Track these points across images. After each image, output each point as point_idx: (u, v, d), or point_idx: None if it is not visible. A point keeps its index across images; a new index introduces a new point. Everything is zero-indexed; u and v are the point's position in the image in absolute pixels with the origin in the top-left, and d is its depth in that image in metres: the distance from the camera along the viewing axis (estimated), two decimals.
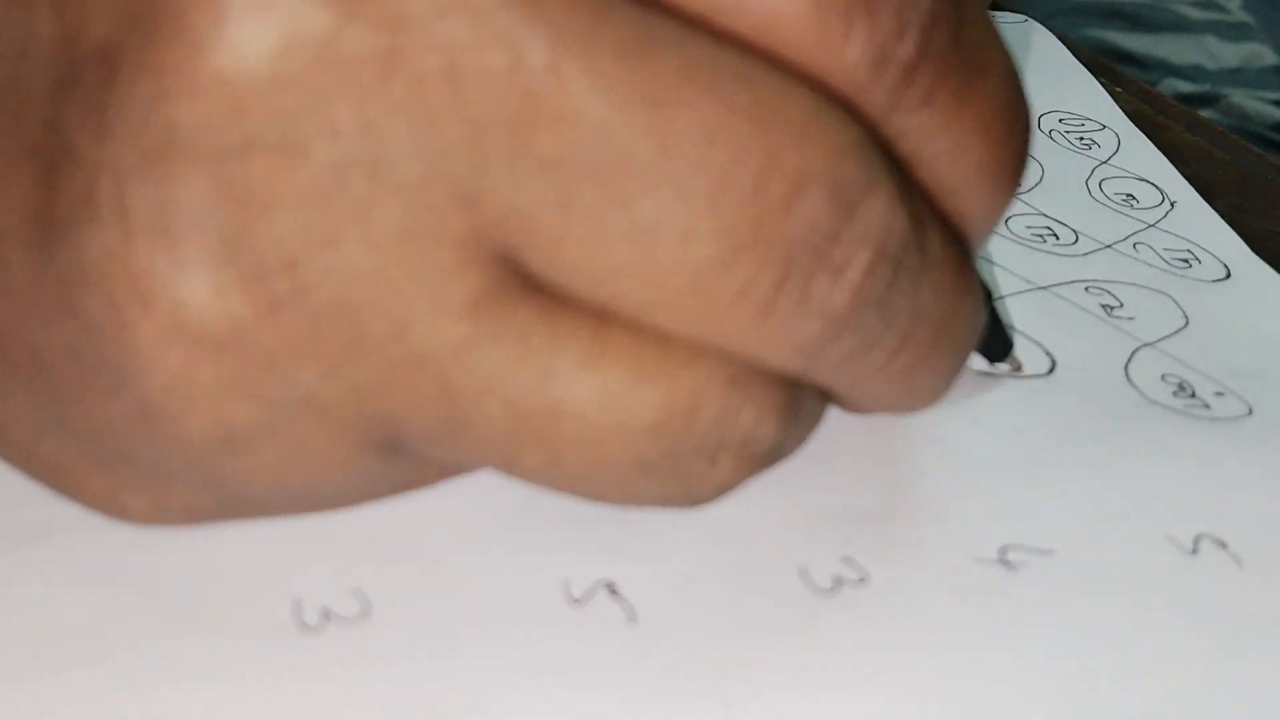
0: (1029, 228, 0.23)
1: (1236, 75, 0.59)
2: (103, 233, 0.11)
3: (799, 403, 0.13)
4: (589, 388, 0.12)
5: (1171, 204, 0.24)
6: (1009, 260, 0.22)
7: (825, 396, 0.14)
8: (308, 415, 0.12)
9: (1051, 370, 0.19)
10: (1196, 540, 0.16)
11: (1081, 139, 0.26)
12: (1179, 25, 0.61)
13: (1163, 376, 0.19)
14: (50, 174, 0.11)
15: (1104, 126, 0.27)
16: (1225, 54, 0.60)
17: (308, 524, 0.15)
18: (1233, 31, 0.61)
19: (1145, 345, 0.20)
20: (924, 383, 0.14)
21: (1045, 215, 0.23)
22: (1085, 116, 0.27)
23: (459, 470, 0.15)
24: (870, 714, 0.13)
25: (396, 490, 0.15)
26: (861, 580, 0.15)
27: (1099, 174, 0.25)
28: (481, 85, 0.11)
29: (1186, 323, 0.21)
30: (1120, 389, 0.19)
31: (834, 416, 0.17)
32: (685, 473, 0.13)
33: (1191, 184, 0.25)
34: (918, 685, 0.14)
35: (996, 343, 0.18)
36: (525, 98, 0.11)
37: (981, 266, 0.19)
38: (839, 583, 0.15)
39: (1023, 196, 0.24)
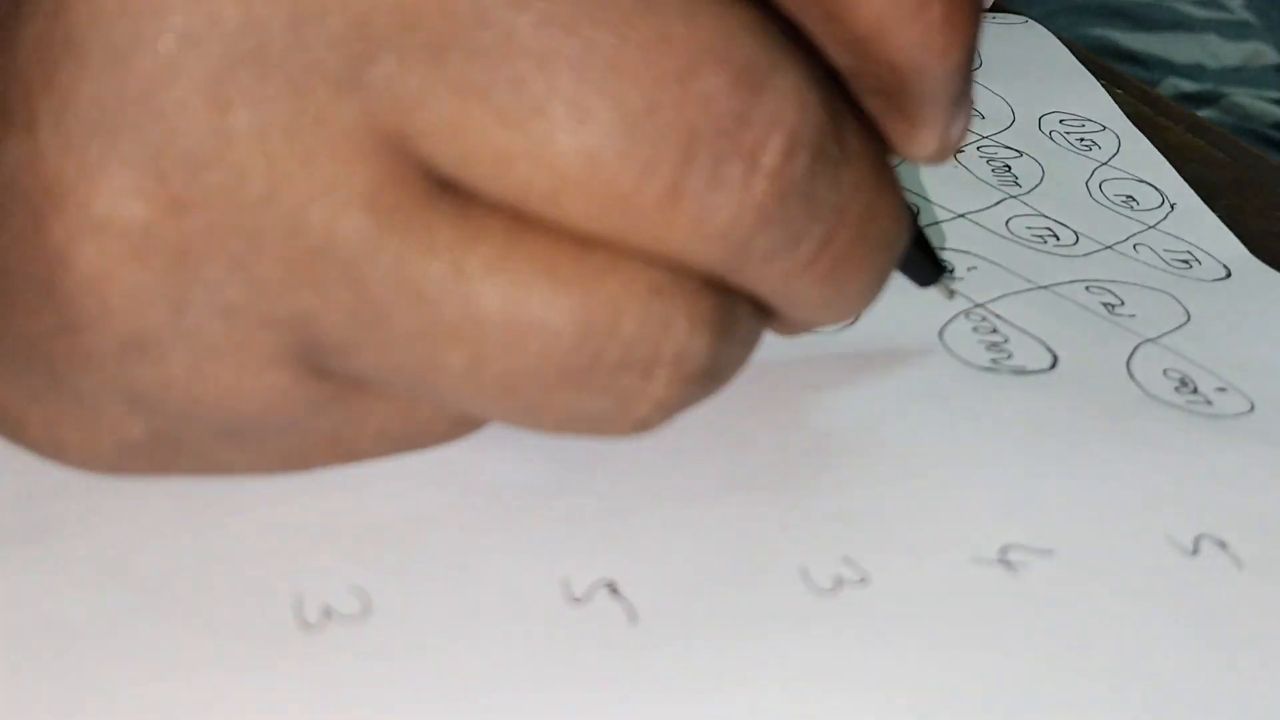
0: (1029, 229, 0.23)
1: (1238, 74, 0.59)
2: (18, 145, 0.12)
3: (732, 314, 0.13)
4: (503, 291, 0.12)
5: (1171, 206, 0.24)
6: (1009, 260, 0.22)
7: (761, 315, 0.14)
8: (215, 316, 0.12)
9: (1053, 365, 0.19)
10: (1197, 541, 0.16)
11: (1082, 140, 0.26)
12: (1180, 24, 0.61)
13: (1165, 372, 0.19)
14: None
15: (1104, 128, 0.27)
16: (1227, 53, 0.60)
17: (308, 520, 0.15)
18: (1234, 30, 0.61)
19: (1147, 341, 0.20)
20: (853, 284, 0.13)
21: (1046, 216, 0.23)
22: (1085, 117, 0.27)
23: (410, 428, 0.15)
24: (871, 715, 0.13)
25: (327, 446, 0.14)
26: (862, 581, 0.15)
27: (1099, 175, 0.25)
28: None
29: (1188, 319, 0.21)
30: (1122, 385, 0.19)
31: (831, 420, 0.17)
32: (617, 388, 0.13)
33: (1192, 185, 0.25)
34: (919, 686, 0.14)
35: (927, 266, 0.18)
36: None
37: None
38: (839, 583, 0.15)
39: (1023, 198, 0.24)
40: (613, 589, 0.14)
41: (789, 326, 0.15)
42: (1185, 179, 0.25)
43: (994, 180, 0.24)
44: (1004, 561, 0.15)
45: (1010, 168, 0.25)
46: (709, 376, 0.13)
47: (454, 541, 0.15)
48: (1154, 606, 0.15)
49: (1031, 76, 0.28)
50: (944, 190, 0.24)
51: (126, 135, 0.11)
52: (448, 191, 0.12)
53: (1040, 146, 0.26)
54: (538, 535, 0.15)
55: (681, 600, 0.14)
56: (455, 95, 0.11)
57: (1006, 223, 0.23)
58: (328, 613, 0.14)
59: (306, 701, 0.13)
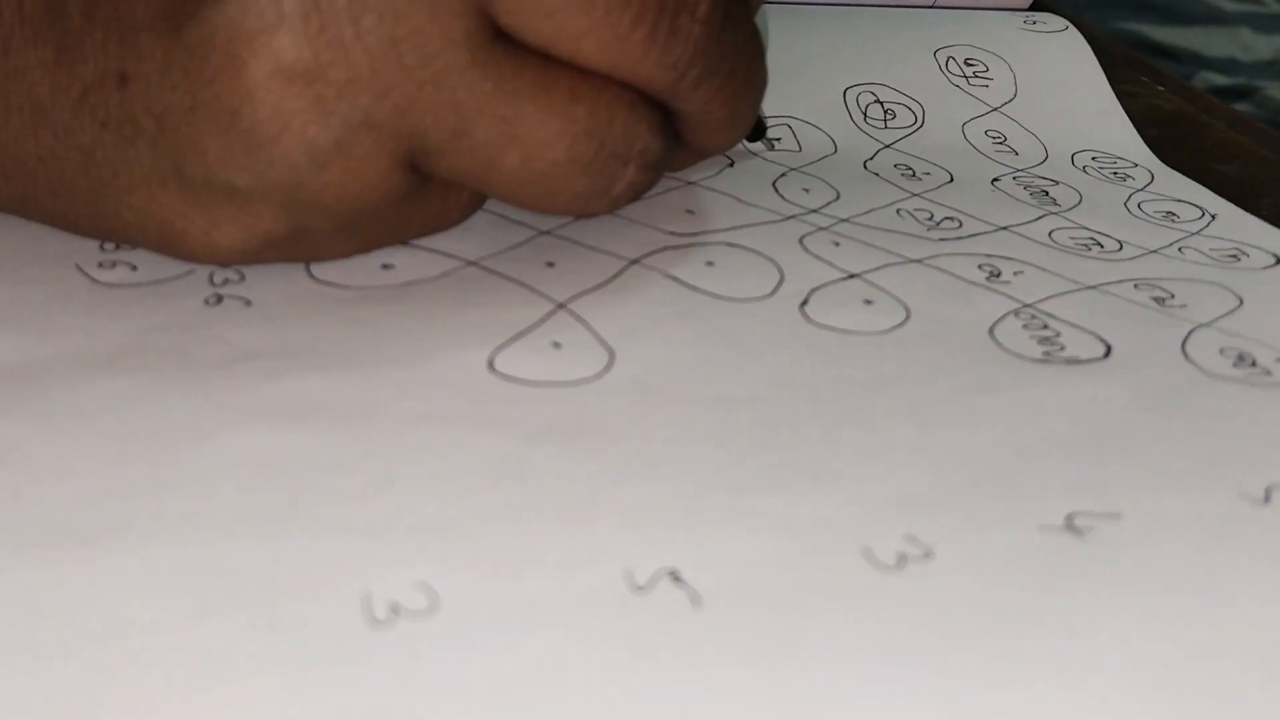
0: (1073, 239, 0.23)
1: (1272, 67, 0.59)
2: (225, 6, 0.16)
3: (669, 125, 0.19)
4: (543, 103, 0.17)
5: (1211, 217, 0.24)
6: (1055, 265, 0.22)
7: (676, 137, 0.19)
8: (365, 133, 0.17)
9: (1107, 354, 0.19)
10: (1269, 491, 0.16)
11: (1115, 173, 0.26)
12: (1213, 17, 0.61)
13: (1221, 350, 0.19)
14: None
15: (1136, 164, 0.27)
16: (1260, 46, 0.59)
17: (373, 517, 0.15)
18: (1268, 23, 0.60)
19: (1201, 326, 0.20)
20: (742, 109, 0.19)
21: (1088, 228, 0.24)
22: (1117, 156, 0.27)
23: (441, 215, 0.20)
24: (942, 690, 0.13)
25: (392, 230, 0.19)
26: (926, 556, 0.15)
27: (1137, 198, 0.25)
28: None
29: (1240, 303, 0.21)
30: (1179, 367, 0.19)
31: (883, 411, 0.17)
32: (608, 172, 0.18)
33: (1235, 182, 0.25)
34: (990, 658, 0.13)
35: (754, 125, 0.23)
36: None
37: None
38: (903, 559, 0.15)
39: (1064, 214, 0.24)
40: (675, 576, 0.14)
41: (686, 156, 0.21)
42: (1228, 176, 0.25)
43: (1033, 201, 0.24)
44: (1071, 528, 0.15)
45: (1048, 192, 0.25)
46: (657, 167, 0.19)
47: (516, 534, 0.15)
48: (1229, 558, 0.15)
49: (1064, 110, 0.28)
50: (985, 208, 0.24)
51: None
52: (504, 39, 0.17)
53: (1075, 178, 0.26)
54: (599, 527, 0.15)
55: (744, 584, 0.14)
56: None
57: (1049, 234, 0.23)
58: (395, 609, 0.14)
59: (378, 699, 0.13)
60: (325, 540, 0.15)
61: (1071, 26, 0.31)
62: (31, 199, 0.18)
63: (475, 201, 0.20)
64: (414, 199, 0.19)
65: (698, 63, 0.18)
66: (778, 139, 0.25)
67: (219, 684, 0.13)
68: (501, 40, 0.17)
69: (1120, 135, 0.28)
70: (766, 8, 0.32)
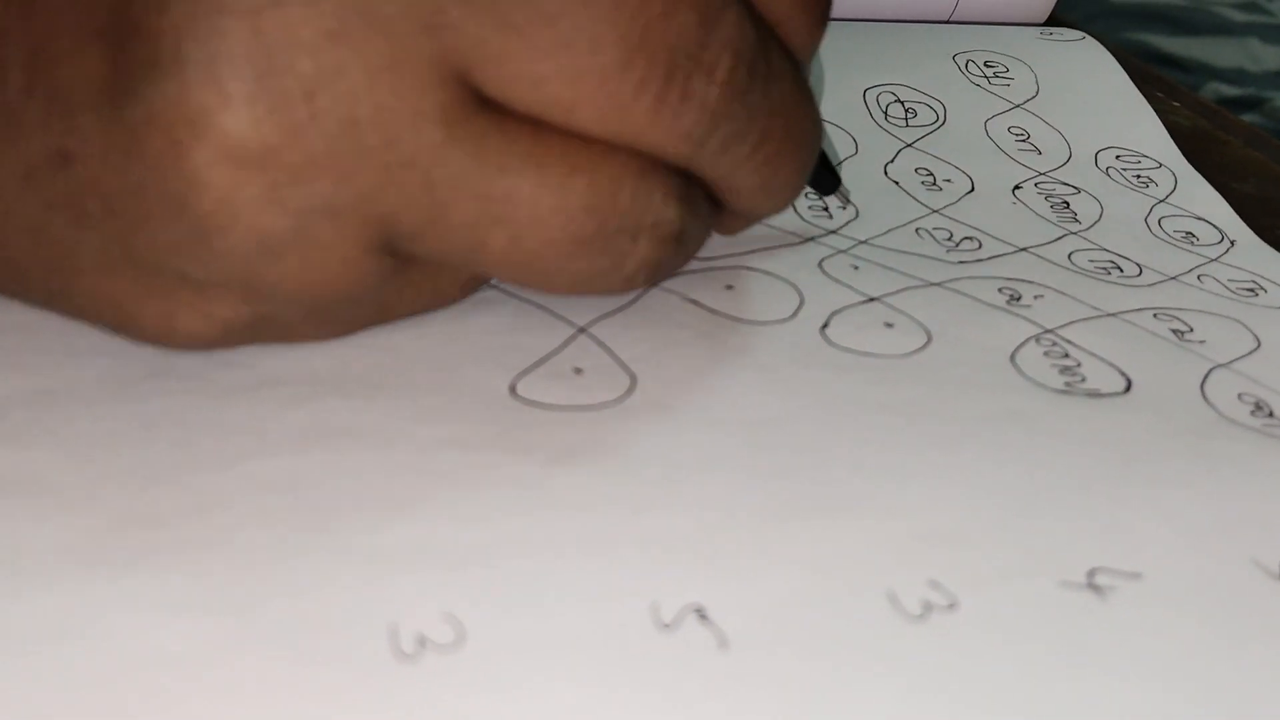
0: (1092, 261, 0.23)
1: None
2: (165, 84, 0.14)
3: (694, 194, 0.17)
4: (534, 179, 0.15)
5: (1231, 243, 0.24)
6: (1074, 290, 0.22)
7: (713, 204, 0.18)
8: (325, 220, 0.15)
9: (1128, 389, 0.19)
10: None
11: (1139, 177, 0.26)
12: (1221, 28, 0.61)
13: (1239, 396, 0.19)
14: (118, 48, 0.14)
15: (1160, 164, 0.27)
16: (1268, 57, 0.59)
17: (398, 547, 0.15)
18: (1276, 34, 0.60)
19: (1219, 366, 0.20)
20: (783, 173, 0.18)
21: (1107, 250, 0.23)
22: (1141, 153, 0.27)
23: (436, 292, 0.18)
24: None
25: (375, 312, 0.18)
26: (951, 606, 0.15)
27: (1158, 211, 0.25)
28: None
29: (1258, 345, 0.21)
30: (1198, 408, 0.19)
31: (907, 441, 0.17)
32: (614, 249, 0.16)
33: (1252, 200, 0.25)
34: (1009, 715, 0.13)
35: (825, 177, 0.22)
36: None
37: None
38: (928, 608, 0.15)
39: (1084, 233, 0.24)
40: (701, 614, 0.14)
41: (734, 221, 0.20)
42: (1246, 194, 0.25)
43: (1054, 217, 0.24)
44: (1092, 586, 0.15)
45: (1069, 204, 0.25)
46: (678, 241, 0.17)
47: (541, 565, 0.15)
48: (1241, 631, 0.15)
49: (1087, 107, 0.28)
50: (1005, 226, 0.24)
51: (261, 74, 0.14)
52: (489, 107, 0.15)
53: (1097, 184, 0.26)
54: (623, 557, 0.15)
55: (771, 626, 0.14)
56: (504, 33, 0.15)
57: (1069, 256, 0.23)
58: (422, 642, 0.14)
59: None
60: (352, 570, 0.15)
61: (1089, 37, 0.31)
62: None
63: (475, 281, 0.18)
64: (399, 281, 0.17)
65: (719, 128, 0.16)
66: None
67: (255, 717, 0.13)
68: (487, 110, 0.15)
69: (1145, 130, 0.28)
70: None
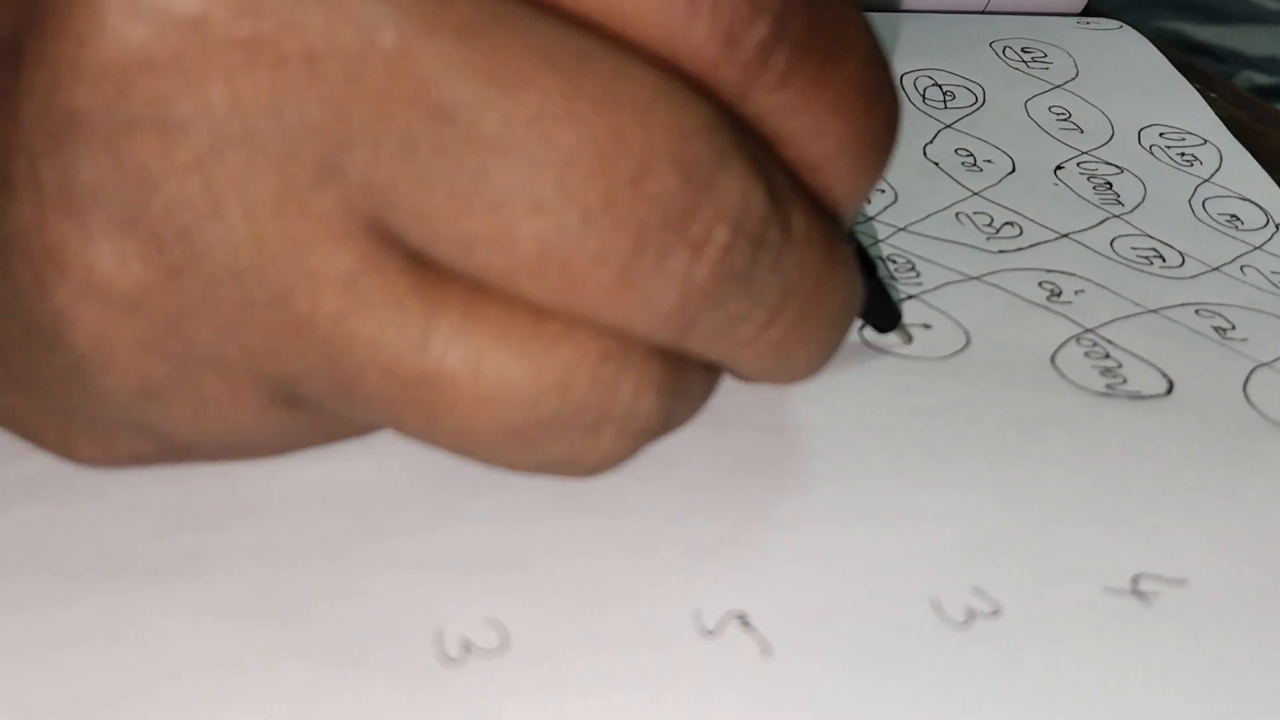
0: (1134, 249, 0.23)
1: None
2: (21, 208, 0.12)
3: (680, 375, 0.14)
4: (462, 358, 0.12)
5: (1276, 226, 0.24)
6: (1115, 283, 0.22)
7: (713, 370, 0.15)
8: (211, 372, 0.13)
9: (1169, 391, 0.19)
10: None
11: (1183, 154, 0.26)
12: (1254, 16, 0.59)
13: None
14: None
15: (1205, 141, 0.26)
16: None
17: (442, 551, 0.15)
18: None
19: (1262, 365, 0.20)
20: (799, 355, 0.14)
21: (1150, 236, 0.23)
22: (1186, 130, 0.27)
23: (370, 427, 0.15)
24: None
25: (321, 440, 0.15)
26: (994, 613, 0.15)
27: (1202, 193, 0.25)
28: (337, 67, 0.11)
29: None
30: (1240, 410, 0.19)
31: (946, 444, 0.17)
32: (566, 444, 0.13)
33: None
34: None
35: (884, 314, 0.19)
36: (379, 78, 0.11)
37: (862, 242, 0.19)
38: (972, 615, 0.15)
39: (1127, 216, 0.24)
40: (744, 621, 0.15)
41: (743, 379, 0.16)
42: None
43: (1096, 199, 0.24)
44: (1137, 592, 0.15)
45: (1111, 185, 0.25)
46: (654, 431, 0.14)
47: (582, 569, 0.15)
48: None
49: (1129, 86, 0.28)
50: (1047, 210, 0.24)
51: (126, 206, 0.12)
52: (416, 264, 0.12)
53: (1141, 162, 0.26)
54: (664, 563, 0.15)
55: (814, 633, 0.14)
56: (422, 185, 0.12)
57: (1111, 243, 0.23)
58: (467, 646, 0.14)
59: None
60: (394, 573, 0.15)
61: (1126, 26, 0.31)
62: None
63: None
64: (316, 418, 0.14)
65: (709, 313, 0.13)
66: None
67: None
68: (414, 267, 0.12)
69: (1188, 107, 0.27)
70: None
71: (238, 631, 0.14)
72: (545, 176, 0.12)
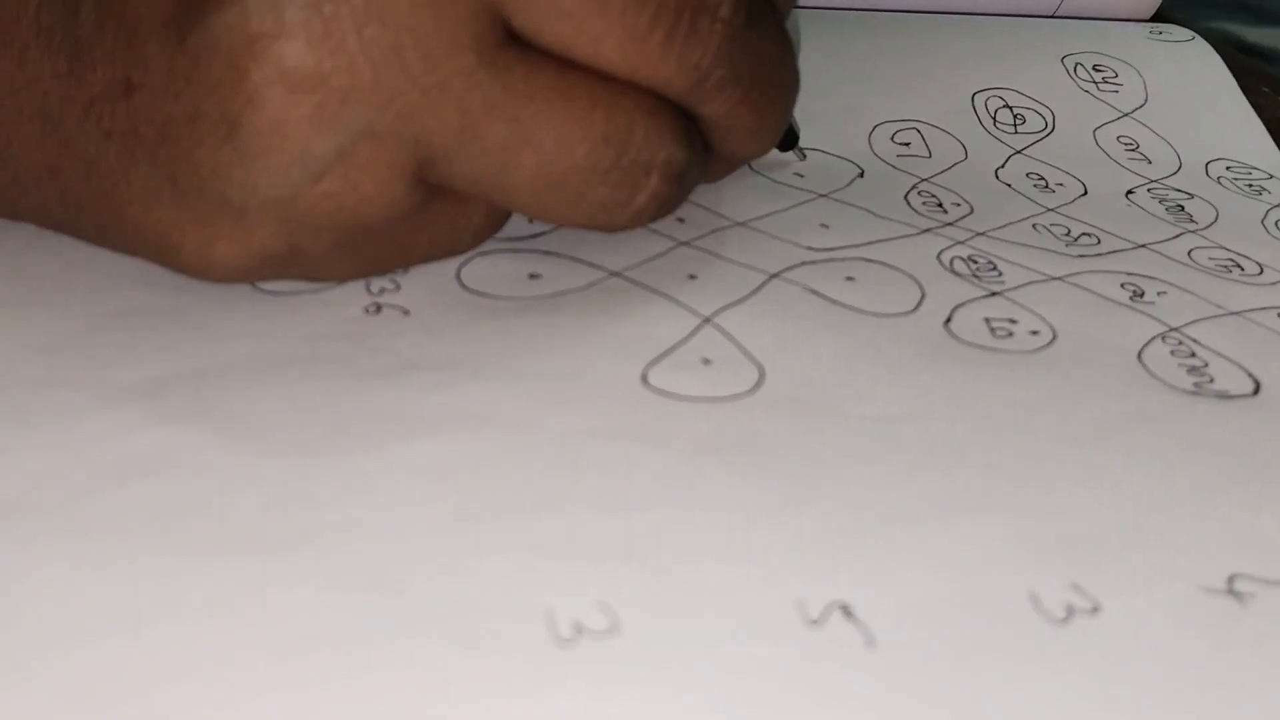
0: (1212, 259, 0.23)
1: None
2: (227, 13, 0.16)
3: (693, 134, 0.18)
4: (560, 108, 0.17)
5: None
6: (1197, 287, 0.22)
7: (705, 148, 0.19)
8: (366, 141, 0.16)
9: (1256, 391, 0.19)
10: None
11: (1250, 185, 0.26)
12: None
13: None
14: None
15: (1272, 176, 0.26)
16: None
17: (551, 534, 0.15)
18: None
19: None
20: (770, 118, 0.19)
21: (1227, 249, 0.23)
22: (1252, 166, 0.27)
23: (452, 233, 0.19)
24: None
25: (397, 251, 0.19)
26: (1094, 610, 0.15)
27: (1274, 215, 0.25)
28: None
29: None
30: None
31: (1040, 439, 0.17)
32: (630, 181, 0.17)
33: None
34: None
35: (786, 134, 0.23)
36: None
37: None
38: (1071, 611, 0.15)
39: (1202, 232, 0.24)
40: (847, 612, 0.15)
41: (718, 166, 0.21)
42: None
43: (1169, 218, 0.24)
44: (1233, 592, 0.15)
45: (1183, 207, 0.25)
46: (681, 178, 0.18)
47: (687, 557, 0.15)
48: None
49: (1196, 116, 0.28)
50: (1122, 224, 0.24)
51: (316, 4, 0.15)
52: (519, 43, 0.17)
53: (1210, 190, 0.25)
54: (766, 552, 0.15)
55: (916, 626, 0.15)
56: None
57: (1189, 253, 0.23)
58: (579, 628, 0.14)
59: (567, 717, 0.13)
60: (504, 555, 0.15)
61: (1198, 37, 0.31)
62: (44, 210, 0.18)
63: (488, 226, 0.19)
64: (418, 218, 0.18)
65: (720, 65, 0.17)
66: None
67: (408, 699, 0.13)
68: (514, 43, 0.17)
69: (1255, 143, 0.27)
70: (889, 16, 0.31)
71: (358, 608, 0.14)
72: None
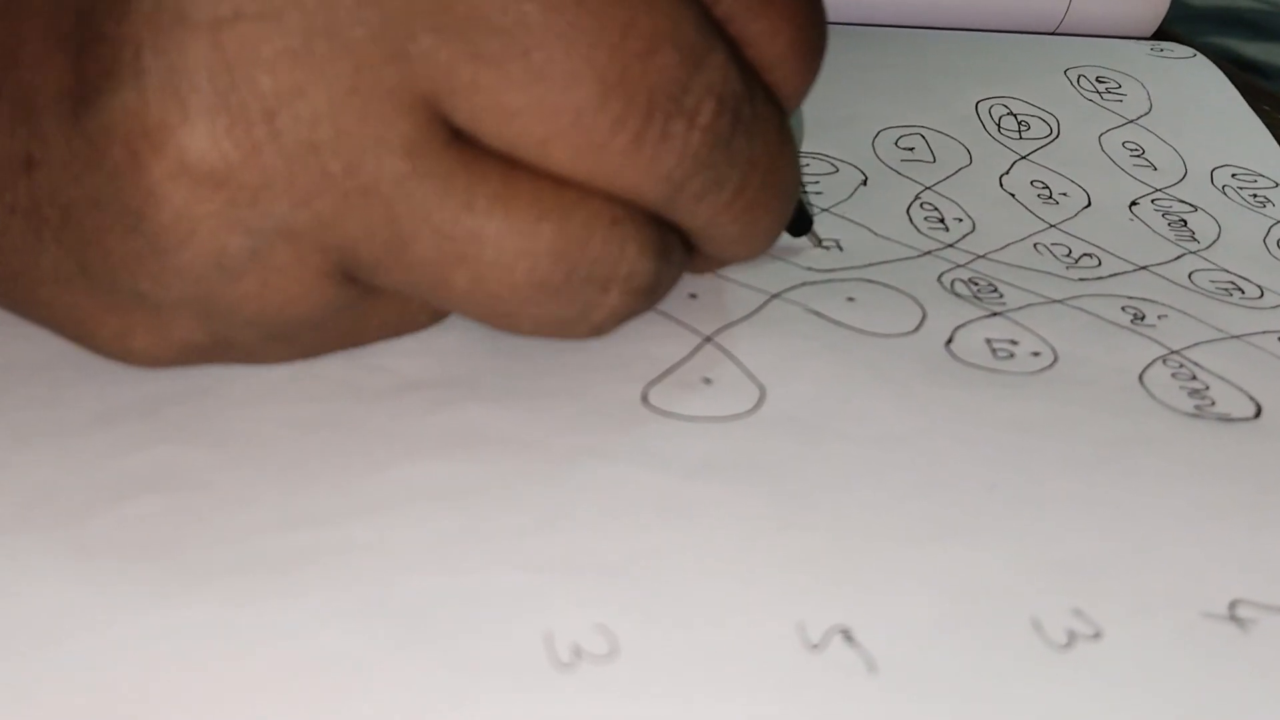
0: (1213, 282, 0.23)
1: None
2: (124, 95, 0.14)
3: (669, 243, 0.17)
4: (501, 220, 0.15)
5: None
6: (1198, 311, 0.22)
7: (687, 249, 0.18)
8: (283, 243, 0.15)
9: (1258, 415, 0.19)
10: None
11: (1255, 196, 0.26)
12: None
13: None
14: (80, 56, 0.14)
15: (1276, 185, 0.26)
16: None
17: (550, 557, 0.15)
18: None
19: None
20: (761, 222, 0.17)
21: (1227, 271, 0.23)
22: (1258, 173, 0.27)
23: (402, 319, 0.18)
24: None
25: (341, 336, 0.17)
26: (1096, 635, 0.15)
27: (1275, 233, 0.25)
28: None
29: None
30: None
31: (1040, 461, 0.17)
32: (582, 299, 0.16)
33: None
34: None
35: (799, 219, 0.21)
36: None
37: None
38: (1073, 637, 0.15)
39: (1203, 253, 0.24)
40: (848, 636, 0.15)
41: (705, 264, 0.20)
42: None
43: (1171, 235, 0.24)
44: (1234, 618, 0.15)
45: (1186, 222, 0.25)
46: (650, 291, 0.17)
47: (687, 579, 0.15)
48: None
49: (1202, 123, 0.28)
50: (1124, 244, 0.24)
51: (221, 90, 0.14)
52: (460, 142, 0.15)
53: (1214, 202, 0.26)
54: (767, 573, 0.15)
55: (917, 651, 0.15)
56: (476, 64, 0.14)
57: (1189, 275, 0.23)
58: (578, 652, 0.14)
59: None
60: (504, 577, 0.15)
61: (1200, 54, 0.31)
62: None
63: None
64: (363, 307, 0.17)
65: (698, 174, 0.15)
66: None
67: (419, 718, 0.13)
68: (459, 144, 0.15)
69: (1260, 149, 0.27)
70: (893, 31, 0.31)
71: (356, 628, 0.14)
72: (577, 54, 0.14)
